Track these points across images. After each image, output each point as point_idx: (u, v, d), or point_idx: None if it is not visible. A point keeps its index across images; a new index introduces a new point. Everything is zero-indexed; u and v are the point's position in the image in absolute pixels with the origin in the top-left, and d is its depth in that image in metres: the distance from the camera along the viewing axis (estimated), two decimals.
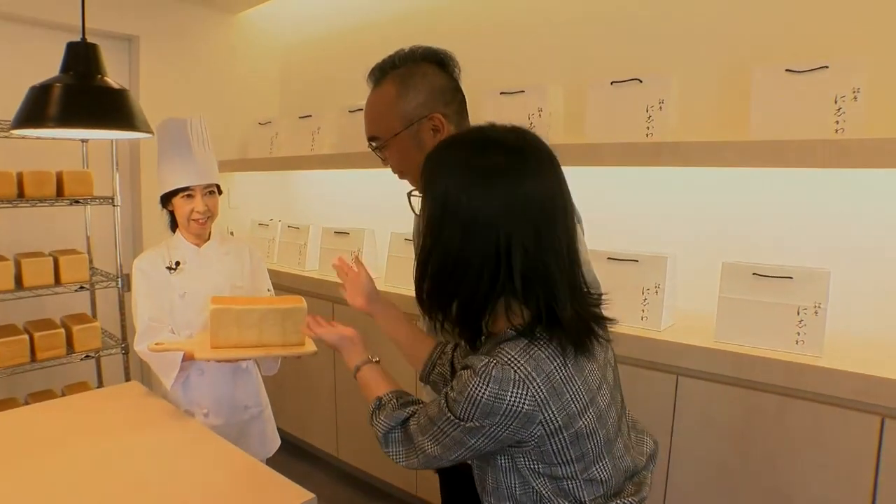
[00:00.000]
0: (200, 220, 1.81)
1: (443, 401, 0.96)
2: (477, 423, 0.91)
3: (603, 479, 0.98)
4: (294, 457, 3.12)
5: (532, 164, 0.93)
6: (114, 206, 2.70)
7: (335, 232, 2.95)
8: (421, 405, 1.08)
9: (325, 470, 3.05)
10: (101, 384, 2.88)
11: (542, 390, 0.90)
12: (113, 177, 2.71)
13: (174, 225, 1.89)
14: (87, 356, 2.60)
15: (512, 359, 0.91)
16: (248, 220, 3.59)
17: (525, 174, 0.92)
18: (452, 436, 0.94)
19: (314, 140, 3.15)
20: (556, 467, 0.95)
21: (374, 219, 3.02)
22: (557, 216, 0.94)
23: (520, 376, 0.89)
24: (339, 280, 1.41)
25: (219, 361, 1.73)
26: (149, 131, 1.71)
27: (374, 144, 1.32)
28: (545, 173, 0.95)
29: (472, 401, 0.90)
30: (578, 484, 0.97)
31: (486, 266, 0.91)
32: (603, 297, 1.03)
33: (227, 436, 1.63)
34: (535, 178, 0.93)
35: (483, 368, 0.90)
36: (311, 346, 1.68)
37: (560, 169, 0.98)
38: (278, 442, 2.04)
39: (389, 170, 1.35)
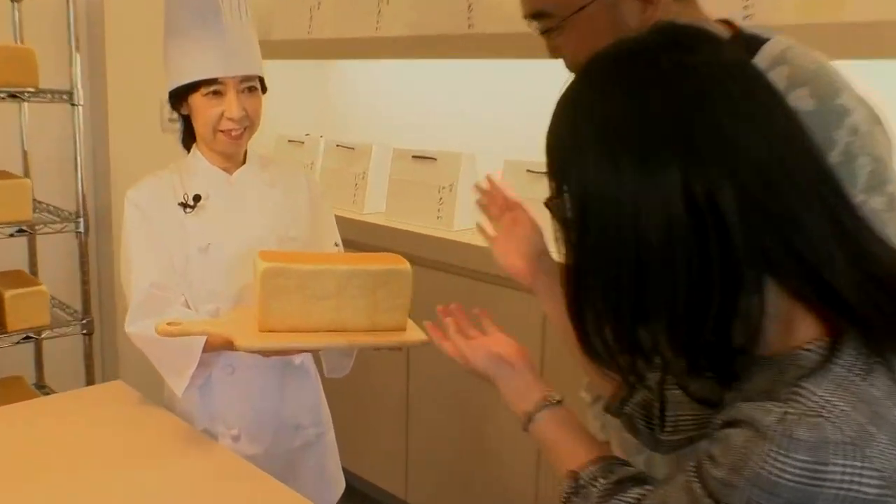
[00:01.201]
0: (234, 132, 1.74)
1: (697, 485, 0.86)
2: None
3: None
4: (346, 499, 3.15)
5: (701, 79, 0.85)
6: (72, 105, 2.57)
7: (413, 156, 2.85)
8: (649, 487, 1.00)
9: None
10: (41, 381, 2.83)
11: (891, 456, 0.78)
12: (72, 59, 2.55)
13: (189, 139, 1.83)
14: (26, 337, 2.53)
15: (826, 405, 0.80)
16: (272, 135, 3.50)
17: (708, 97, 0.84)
18: None
19: (380, 14, 3.02)
20: None
21: (476, 139, 2.91)
22: (791, 136, 0.86)
23: (849, 435, 0.78)
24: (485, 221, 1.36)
25: (267, 355, 1.66)
26: None
27: (541, 25, 1.26)
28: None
29: (766, 485, 0.79)
30: None
31: (681, 242, 0.83)
32: None
33: (268, 471, 1.58)
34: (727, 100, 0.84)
35: (778, 427, 0.79)
36: (417, 332, 1.61)
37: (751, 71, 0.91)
38: (343, 483, 1.99)
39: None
